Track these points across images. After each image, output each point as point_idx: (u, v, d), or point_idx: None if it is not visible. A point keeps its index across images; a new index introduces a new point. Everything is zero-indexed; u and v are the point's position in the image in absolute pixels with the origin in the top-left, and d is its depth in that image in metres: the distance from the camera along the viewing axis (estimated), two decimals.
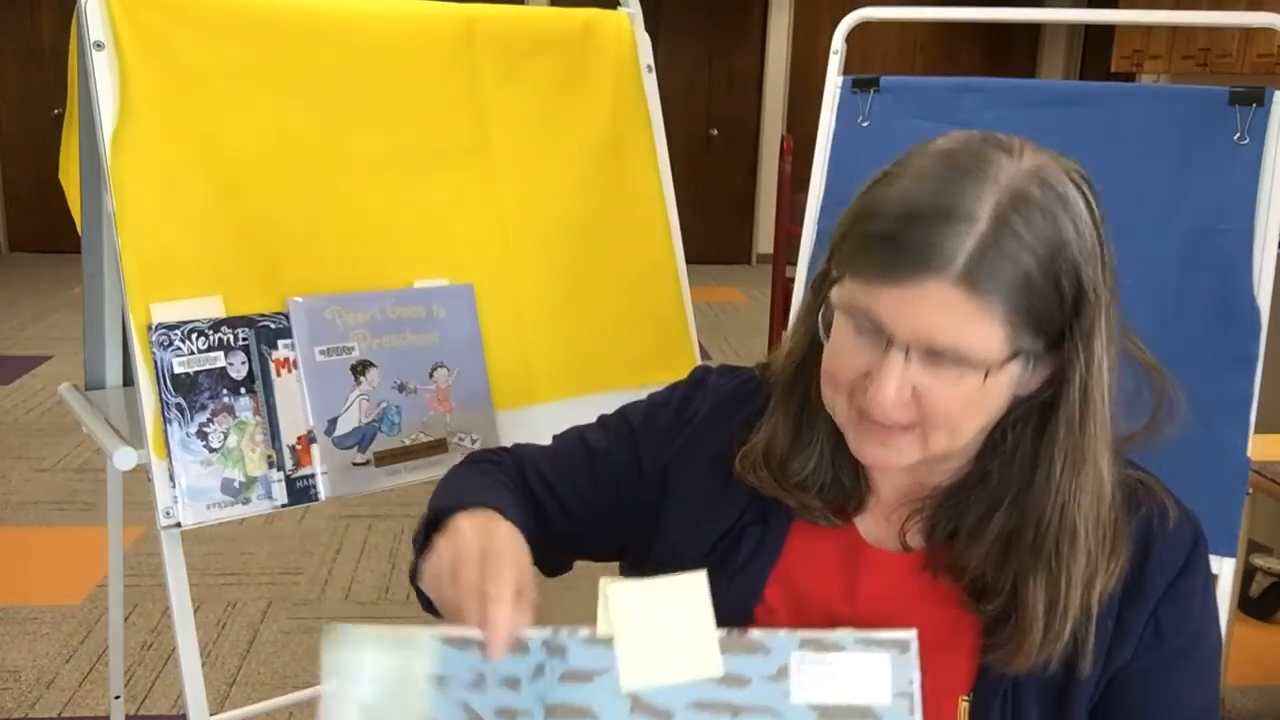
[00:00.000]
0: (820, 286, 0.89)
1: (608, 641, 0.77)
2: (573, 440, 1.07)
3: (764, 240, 8.53)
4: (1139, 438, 0.89)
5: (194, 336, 1.36)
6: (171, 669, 2.69)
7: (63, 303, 6.38)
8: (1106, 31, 7.38)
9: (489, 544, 0.81)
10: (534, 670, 0.77)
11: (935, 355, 0.79)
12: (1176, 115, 1.59)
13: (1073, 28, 8.22)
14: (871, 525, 0.94)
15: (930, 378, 0.80)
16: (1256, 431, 1.51)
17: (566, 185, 1.70)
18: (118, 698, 2.01)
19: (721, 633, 0.78)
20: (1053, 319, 0.79)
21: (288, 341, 1.42)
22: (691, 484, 0.99)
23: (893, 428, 0.83)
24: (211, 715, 1.44)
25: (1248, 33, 5.43)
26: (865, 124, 1.76)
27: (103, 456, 1.46)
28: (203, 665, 1.37)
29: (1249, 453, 1.50)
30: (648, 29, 1.80)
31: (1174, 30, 5.99)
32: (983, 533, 0.86)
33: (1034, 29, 8.41)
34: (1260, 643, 2.92)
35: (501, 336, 1.60)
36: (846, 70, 1.80)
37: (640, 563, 1.01)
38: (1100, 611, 0.85)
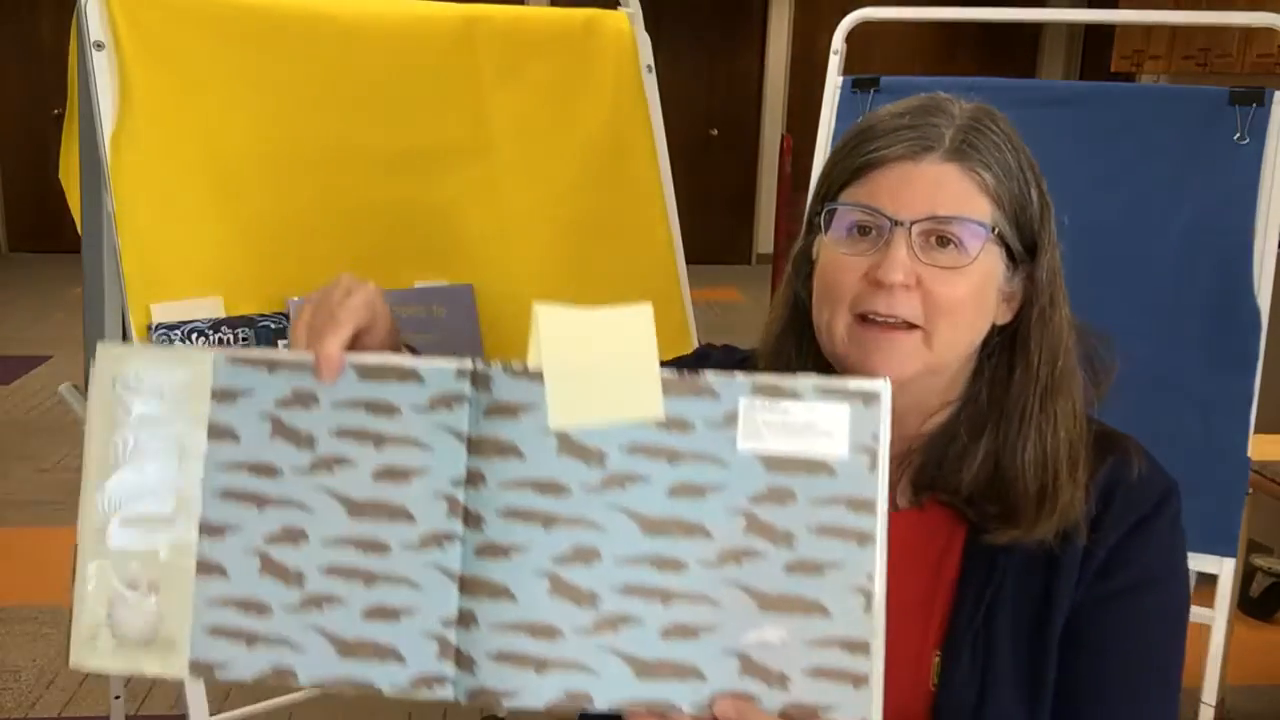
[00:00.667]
0: (799, 262, 0.95)
1: (538, 376, 0.72)
2: None
3: (764, 240, 8.53)
4: (1098, 392, 0.94)
5: (194, 336, 1.36)
6: None
7: (63, 303, 6.38)
8: (1106, 31, 7.38)
9: (347, 284, 0.80)
10: (439, 401, 0.73)
11: (936, 235, 0.85)
12: (1176, 115, 1.59)
13: (1073, 28, 8.22)
14: None
15: (931, 264, 0.85)
16: (1256, 431, 1.51)
17: (566, 185, 1.70)
18: (118, 698, 2.01)
19: (666, 372, 0.71)
20: (1027, 215, 0.87)
21: (287, 341, 1.41)
22: None
23: (896, 330, 0.86)
24: (211, 715, 1.44)
25: (1248, 33, 5.43)
26: None
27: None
28: None
29: (1249, 453, 1.50)
30: (648, 29, 1.80)
31: (1174, 30, 5.99)
32: (973, 453, 0.89)
33: (1034, 29, 8.41)
34: (1260, 643, 2.92)
35: (501, 336, 1.60)
36: (846, 70, 1.80)
37: None
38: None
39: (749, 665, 0.70)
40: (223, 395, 0.75)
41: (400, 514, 0.73)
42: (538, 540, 0.71)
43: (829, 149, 1.83)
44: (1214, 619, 1.55)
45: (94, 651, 0.75)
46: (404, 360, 0.74)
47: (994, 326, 0.90)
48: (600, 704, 0.70)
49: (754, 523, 0.71)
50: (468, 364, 0.73)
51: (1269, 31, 1.61)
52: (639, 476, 0.71)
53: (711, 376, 0.72)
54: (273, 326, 1.41)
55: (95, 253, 1.63)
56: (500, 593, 0.71)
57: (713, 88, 8.43)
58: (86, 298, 1.69)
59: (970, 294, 0.86)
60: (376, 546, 0.73)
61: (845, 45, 1.79)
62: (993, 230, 0.85)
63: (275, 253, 1.44)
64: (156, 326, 1.34)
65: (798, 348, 0.96)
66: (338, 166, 1.51)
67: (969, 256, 0.85)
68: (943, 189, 0.85)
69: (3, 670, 2.69)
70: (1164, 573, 0.91)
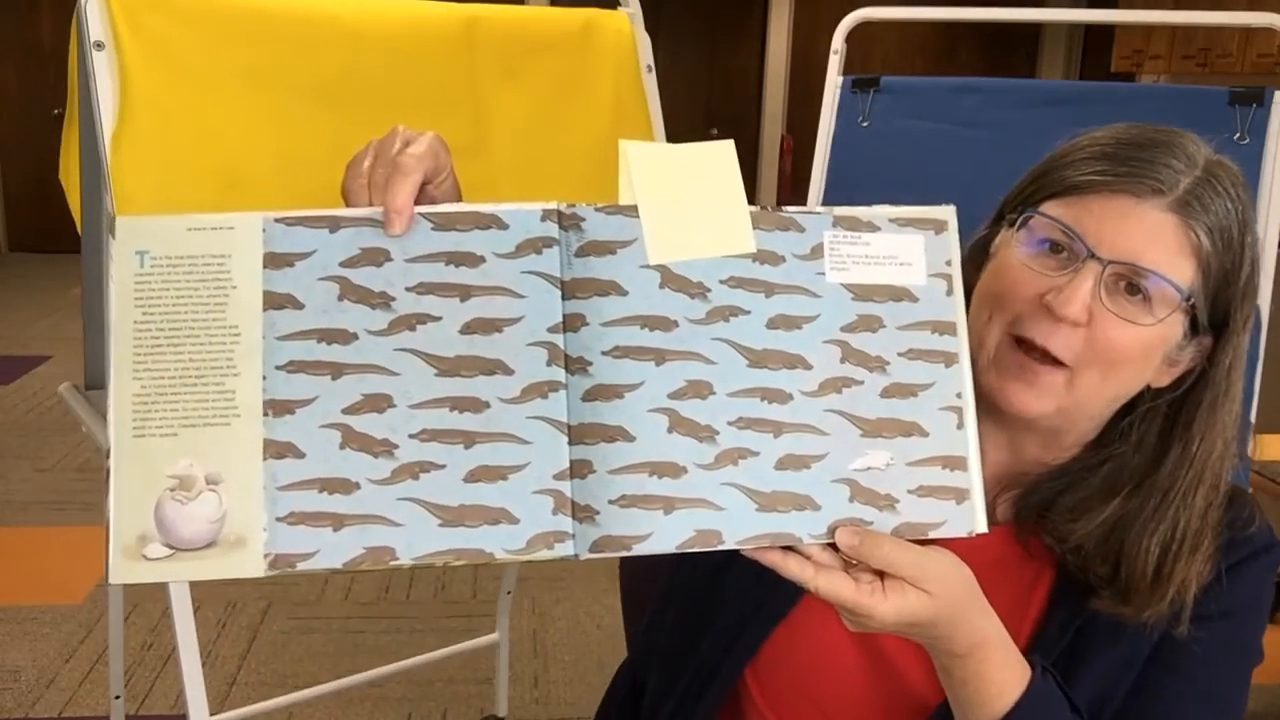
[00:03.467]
0: (974, 251, 0.90)
1: (629, 211, 0.71)
2: None
3: None
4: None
5: None
6: (171, 669, 2.69)
7: (63, 303, 6.38)
8: (1106, 31, 7.37)
9: (405, 133, 0.75)
10: (525, 245, 0.70)
11: (1125, 283, 0.80)
12: (1176, 115, 1.59)
13: (1073, 28, 8.22)
14: None
15: (1115, 307, 0.80)
16: (1256, 431, 1.51)
17: (566, 185, 1.70)
18: (118, 698, 2.01)
19: (752, 207, 0.72)
20: (1228, 293, 0.82)
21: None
22: None
23: (1044, 364, 0.82)
24: (211, 715, 1.44)
25: (1248, 33, 5.43)
26: (865, 124, 1.76)
27: (102, 456, 1.46)
28: (203, 665, 1.37)
29: (1249, 453, 1.50)
30: (648, 29, 1.80)
31: (1174, 30, 5.99)
32: (1094, 512, 0.85)
33: (1034, 29, 8.41)
34: (1263, 641, 2.92)
35: None
36: (846, 70, 1.80)
37: None
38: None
39: (858, 490, 0.71)
40: (276, 260, 0.70)
41: (497, 367, 0.69)
42: (650, 376, 0.70)
43: (829, 149, 1.84)
44: None
45: (141, 563, 0.65)
46: (481, 206, 0.71)
47: (1149, 388, 0.86)
48: (729, 540, 0.69)
49: (848, 351, 0.72)
50: (552, 205, 0.71)
51: (1269, 31, 1.61)
52: (740, 309, 0.71)
53: (794, 210, 0.73)
54: None
55: (95, 253, 1.63)
56: (616, 434, 0.69)
57: (713, 88, 8.43)
58: (86, 298, 1.69)
59: (1139, 351, 0.81)
60: (473, 404, 0.69)
61: (845, 45, 1.79)
62: (1188, 299, 0.80)
63: None
64: None
65: None
66: (338, 166, 1.50)
67: (1151, 318, 0.80)
68: (1156, 239, 0.79)
69: (3, 670, 2.69)
70: (1247, 609, 0.89)
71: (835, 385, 0.72)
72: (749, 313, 0.72)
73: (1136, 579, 0.84)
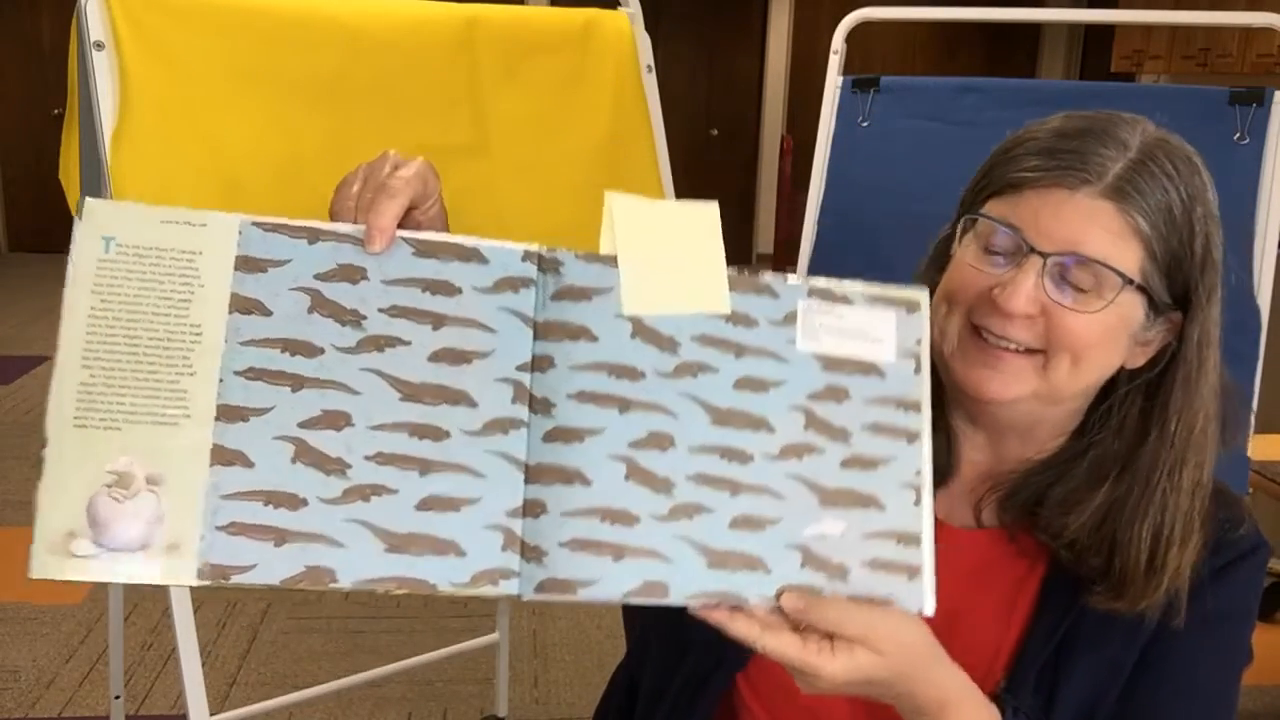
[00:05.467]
0: (939, 250, 0.91)
1: (608, 260, 0.72)
2: None
3: (764, 240, 8.53)
4: (1223, 448, 0.90)
5: None
6: (171, 669, 2.69)
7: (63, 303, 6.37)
8: (1106, 31, 7.37)
9: (395, 157, 0.76)
10: (502, 283, 0.71)
11: (1072, 272, 0.81)
12: (1176, 115, 1.58)
13: (1073, 28, 8.22)
14: (946, 501, 0.94)
15: (1064, 297, 0.81)
16: (1256, 431, 1.51)
17: (566, 185, 1.70)
18: (118, 698, 2.01)
19: (730, 269, 0.73)
20: (1183, 268, 0.82)
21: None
22: None
23: (1007, 352, 0.83)
24: (211, 715, 1.44)
25: (1248, 33, 5.43)
26: (865, 124, 1.76)
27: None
28: (203, 665, 1.37)
29: (1249, 453, 1.50)
30: (648, 29, 1.80)
31: (1174, 30, 5.99)
32: (1085, 502, 0.86)
33: (1034, 29, 8.41)
34: (1260, 643, 2.92)
35: None
36: (846, 70, 1.79)
37: None
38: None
39: (810, 557, 0.71)
40: (249, 264, 0.68)
41: (461, 398, 0.69)
42: (613, 423, 0.70)
43: (829, 149, 1.84)
44: None
45: (66, 559, 0.63)
46: (464, 239, 0.72)
47: (1125, 371, 0.86)
48: (675, 595, 0.69)
49: (812, 419, 0.72)
50: (534, 247, 0.72)
51: (1269, 31, 1.61)
52: (708, 366, 0.72)
53: (770, 277, 0.74)
54: None
55: None
56: (573, 477, 0.69)
57: (713, 88, 8.43)
58: None
59: (1097, 335, 0.82)
60: (434, 432, 0.68)
61: (845, 45, 1.79)
62: (1132, 282, 0.80)
63: None
64: None
65: None
66: (338, 166, 1.50)
67: (1101, 301, 0.81)
68: (1092, 227, 0.80)
69: (3, 670, 2.69)
70: (1237, 612, 0.90)
71: (797, 451, 0.72)
72: (717, 371, 0.72)
73: (1130, 569, 0.84)
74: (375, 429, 0.67)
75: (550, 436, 0.69)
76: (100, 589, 3.03)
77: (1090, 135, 0.81)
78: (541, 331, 0.71)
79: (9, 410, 4.62)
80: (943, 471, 0.93)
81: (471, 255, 0.71)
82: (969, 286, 0.85)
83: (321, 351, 0.68)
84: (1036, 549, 0.89)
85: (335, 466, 0.66)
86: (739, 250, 8.65)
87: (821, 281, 0.74)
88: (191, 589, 1.40)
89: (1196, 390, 0.84)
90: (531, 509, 0.68)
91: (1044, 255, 0.81)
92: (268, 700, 2.15)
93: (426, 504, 0.67)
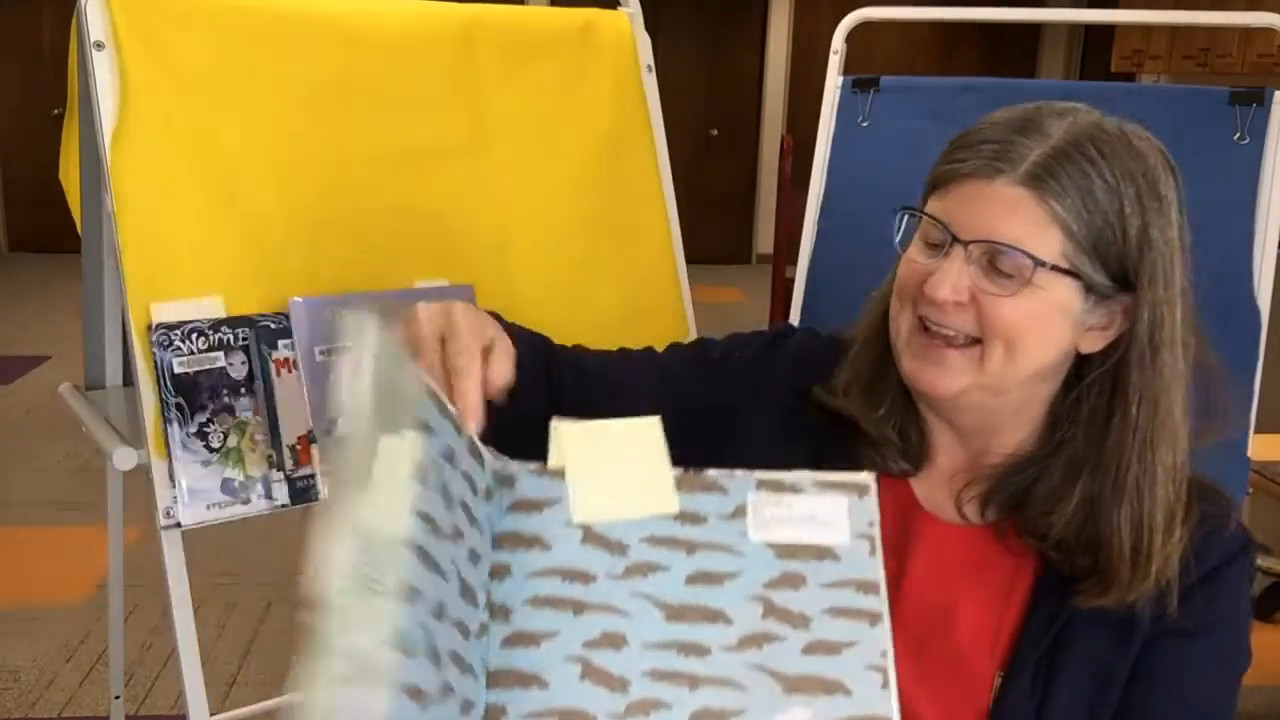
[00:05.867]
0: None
1: (558, 473, 0.75)
2: (637, 351, 1.07)
3: (764, 240, 8.53)
4: (1204, 440, 0.91)
5: (194, 336, 1.36)
6: (171, 669, 2.69)
7: (63, 303, 6.38)
8: (1106, 31, 7.37)
9: (447, 322, 0.79)
10: (484, 490, 0.75)
11: (995, 257, 0.83)
12: (1176, 115, 1.59)
13: (1073, 28, 8.22)
14: (926, 488, 0.95)
15: (990, 284, 0.83)
16: (1256, 431, 1.51)
17: (566, 185, 1.70)
18: (118, 698, 2.01)
19: (677, 471, 0.76)
20: (1114, 250, 0.83)
21: (288, 341, 1.41)
22: (759, 431, 0.99)
23: (949, 345, 0.85)
24: (211, 715, 1.44)
25: (1248, 33, 5.43)
26: (865, 124, 1.76)
27: (103, 456, 1.46)
28: (203, 665, 1.37)
29: (1249, 453, 1.50)
30: (648, 29, 1.80)
31: (1174, 30, 5.99)
32: (1066, 498, 0.87)
33: (1034, 29, 8.41)
34: (1260, 643, 2.92)
35: None
36: (846, 70, 1.79)
37: None
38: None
39: None
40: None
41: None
42: (567, 626, 0.72)
43: (829, 149, 1.84)
44: None
45: None
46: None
47: (1090, 358, 0.87)
48: None
49: (770, 607, 0.73)
50: (493, 463, 0.76)
51: (1269, 31, 1.61)
52: (659, 565, 0.74)
53: (716, 474, 0.76)
54: (273, 326, 1.41)
55: (95, 253, 1.63)
56: (531, 680, 0.71)
57: (713, 88, 8.43)
58: (86, 298, 1.69)
59: (1026, 319, 0.84)
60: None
61: (845, 45, 1.79)
62: (1044, 264, 0.82)
63: (276, 253, 1.44)
64: (156, 326, 1.34)
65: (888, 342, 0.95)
66: (338, 166, 1.51)
67: (1018, 285, 0.82)
68: (1009, 214, 0.82)
69: (3, 670, 2.69)
70: (1230, 617, 0.90)
71: (756, 641, 0.72)
72: (668, 569, 0.74)
73: (1115, 561, 0.84)
74: None
75: (509, 641, 0.72)
76: (100, 589, 3.03)
77: (1018, 126, 0.84)
78: (499, 542, 0.74)
79: (9, 410, 4.62)
80: (918, 459, 0.95)
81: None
82: (911, 280, 0.88)
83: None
84: (1025, 548, 0.90)
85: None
86: (739, 250, 8.65)
87: (769, 475, 0.76)
88: (192, 588, 1.40)
89: (1156, 372, 0.85)
90: (493, 714, 0.70)
91: (964, 243, 0.83)
92: (268, 700, 2.15)
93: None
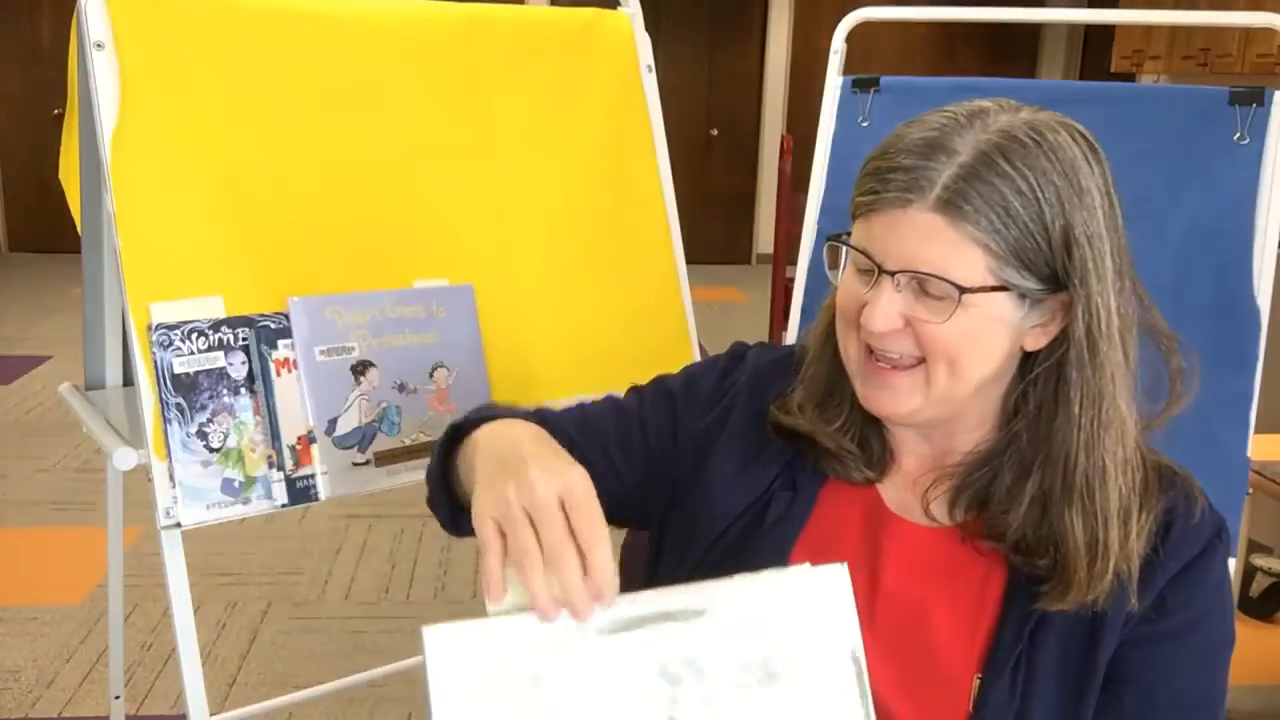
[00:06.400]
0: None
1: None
2: (604, 405, 1.07)
3: (764, 240, 8.53)
4: (1165, 415, 0.91)
5: (194, 336, 1.36)
6: (171, 669, 2.69)
7: (63, 303, 6.38)
8: (1106, 31, 7.37)
9: (565, 486, 0.76)
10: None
11: (922, 282, 0.83)
12: (1176, 115, 1.59)
13: (1073, 28, 8.22)
14: (894, 492, 0.95)
15: (922, 308, 0.84)
16: (1256, 431, 1.51)
17: (566, 185, 1.70)
18: (118, 698, 2.01)
19: None
20: (1039, 256, 0.82)
21: (288, 341, 1.42)
22: (728, 451, 1.00)
23: (896, 369, 0.86)
24: (211, 715, 1.44)
25: (1248, 33, 5.42)
26: (865, 124, 1.76)
27: (103, 456, 1.46)
28: (203, 665, 1.37)
29: (1249, 453, 1.50)
30: (648, 29, 1.80)
31: (1174, 30, 5.99)
32: (1019, 496, 0.87)
33: (1034, 29, 8.41)
34: (1260, 643, 2.92)
35: (501, 336, 1.59)
36: (846, 70, 1.79)
37: (655, 534, 1.03)
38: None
39: None
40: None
41: None
42: None
43: (829, 149, 1.84)
44: None
45: None
46: None
47: (1036, 353, 0.88)
48: None
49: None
50: None
51: (1269, 31, 1.61)
52: None
53: None
54: (273, 326, 1.41)
55: (95, 253, 1.63)
56: None
57: (713, 88, 8.43)
58: (86, 298, 1.69)
59: (963, 337, 0.84)
60: None
61: (845, 45, 1.79)
62: (966, 289, 0.82)
63: (276, 252, 1.44)
64: (156, 326, 1.34)
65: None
66: (338, 166, 1.51)
67: (950, 306, 0.83)
68: (928, 241, 0.82)
69: (3, 670, 2.69)
70: (1212, 609, 0.90)
71: None
72: None
73: (1073, 561, 0.85)
74: None
75: None
76: (100, 589, 3.03)
77: (919, 152, 0.82)
78: None
79: (9, 410, 4.62)
80: (881, 465, 0.95)
81: None
82: (849, 305, 0.88)
83: None
84: (992, 550, 0.90)
85: None
86: (739, 250, 8.65)
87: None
88: (192, 588, 1.40)
89: (1097, 366, 0.85)
90: None
91: (891, 273, 0.84)
92: (268, 700, 2.15)
93: None
